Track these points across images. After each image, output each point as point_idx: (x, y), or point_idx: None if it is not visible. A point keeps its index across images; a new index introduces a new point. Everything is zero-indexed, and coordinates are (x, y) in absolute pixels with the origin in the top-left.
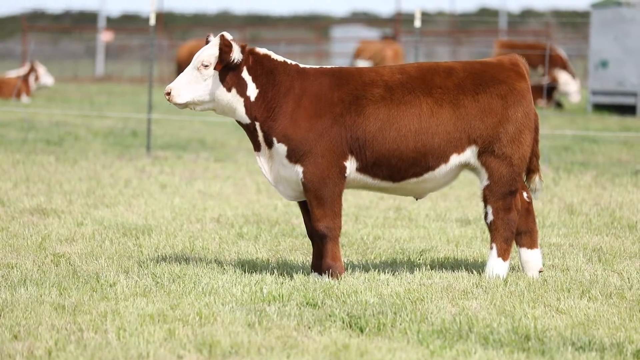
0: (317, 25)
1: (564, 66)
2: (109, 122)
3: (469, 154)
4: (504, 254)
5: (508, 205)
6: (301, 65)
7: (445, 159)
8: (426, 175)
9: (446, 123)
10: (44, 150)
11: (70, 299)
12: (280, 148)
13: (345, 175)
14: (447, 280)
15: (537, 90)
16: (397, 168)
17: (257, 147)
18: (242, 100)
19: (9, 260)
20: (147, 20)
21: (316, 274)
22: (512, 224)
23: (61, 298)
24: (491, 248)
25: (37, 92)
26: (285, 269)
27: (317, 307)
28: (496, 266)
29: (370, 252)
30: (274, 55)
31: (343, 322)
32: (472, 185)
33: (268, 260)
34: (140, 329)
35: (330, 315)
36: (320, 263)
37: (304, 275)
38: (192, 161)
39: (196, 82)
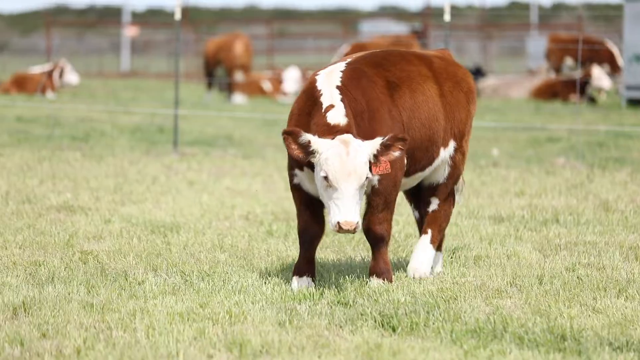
0: (345, 20)
1: (611, 61)
2: (135, 118)
3: (450, 149)
4: (435, 241)
5: (451, 198)
6: (323, 74)
7: (437, 153)
8: (427, 170)
9: (441, 116)
10: (69, 147)
11: (99, 297)
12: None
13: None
14: (480, 278)
15: (570, 85)
16: (415, 160)
17: None
18: None
19: (36, 258)
20: (172, 14)
21: (310, 279)
22: (450, 216)
23: (89, 296)
24: (426, 232)
25: (62, 87)
26: (316, 267)
27: (348, 306)
28: (427, 249)
29: (402, 250)
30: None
31: (375, 321)
32: (505, 182)
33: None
34: (169, 327)
35: (362, 314)
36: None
37: (335, 273)
38: (219, 158)
39: (360, 197)
